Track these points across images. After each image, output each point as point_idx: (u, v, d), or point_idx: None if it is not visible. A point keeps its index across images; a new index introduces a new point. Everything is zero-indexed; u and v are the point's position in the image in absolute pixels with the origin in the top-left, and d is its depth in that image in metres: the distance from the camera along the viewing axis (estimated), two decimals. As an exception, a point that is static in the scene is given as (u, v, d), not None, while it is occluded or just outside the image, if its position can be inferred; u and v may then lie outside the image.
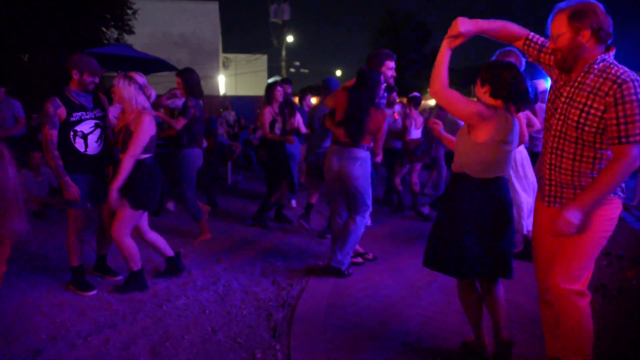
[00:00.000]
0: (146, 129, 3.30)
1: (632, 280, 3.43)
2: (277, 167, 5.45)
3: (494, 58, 1.83)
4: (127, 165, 3.27)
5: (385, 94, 3.99)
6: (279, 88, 5.48)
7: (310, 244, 4.85)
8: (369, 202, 3.89)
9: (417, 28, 28.62)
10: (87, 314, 3.16)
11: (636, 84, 1.91)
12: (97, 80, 3.48)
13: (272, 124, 5.40)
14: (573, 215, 2.01)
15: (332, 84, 5.25)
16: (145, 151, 3.35)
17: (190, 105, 4.64)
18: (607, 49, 2.02)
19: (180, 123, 4.60)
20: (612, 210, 2.10)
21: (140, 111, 3.32)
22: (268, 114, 5.39)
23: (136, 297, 3.44)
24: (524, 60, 3.12)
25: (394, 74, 3.96)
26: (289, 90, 6.22)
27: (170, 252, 3.80)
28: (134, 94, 3.29)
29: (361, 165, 3.76)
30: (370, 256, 4.28)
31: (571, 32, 1.98)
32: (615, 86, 1.92)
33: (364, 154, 3.78)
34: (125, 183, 3.31)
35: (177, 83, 4.77)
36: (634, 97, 1.89)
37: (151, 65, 7.95)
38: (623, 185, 2.12)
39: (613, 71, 1.96)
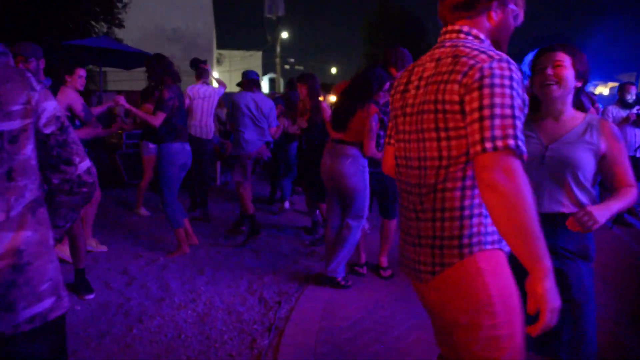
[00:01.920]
0: None
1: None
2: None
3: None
4: None
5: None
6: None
7: (303, 254, 4.47)
8: (365, 207, 3.57)
9: (412, 24, 28.09)
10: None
11: None
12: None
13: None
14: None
15: (249, 76, 4.96)
16: None
17: (167, 97, 4.01)
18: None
19: (158, 118, 4.03)
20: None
21: None
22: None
23: (106, 317, 3.06)
24: None
25: None
26: (304, 91, 4.98)
27: None
28: None
29: (353, 163, 3.47)
30: (364, 270, 3.90)
31: None
32: None
33: (355, 152, 3.48)
34: None
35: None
36: None
37: (136, 59, 7.54)
38: None
39: None
